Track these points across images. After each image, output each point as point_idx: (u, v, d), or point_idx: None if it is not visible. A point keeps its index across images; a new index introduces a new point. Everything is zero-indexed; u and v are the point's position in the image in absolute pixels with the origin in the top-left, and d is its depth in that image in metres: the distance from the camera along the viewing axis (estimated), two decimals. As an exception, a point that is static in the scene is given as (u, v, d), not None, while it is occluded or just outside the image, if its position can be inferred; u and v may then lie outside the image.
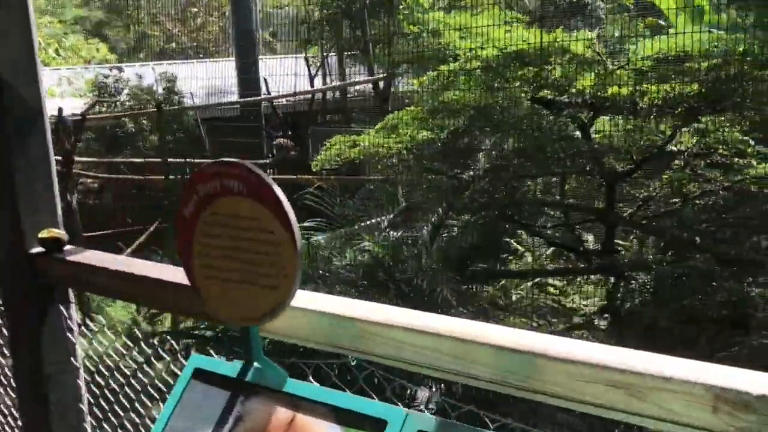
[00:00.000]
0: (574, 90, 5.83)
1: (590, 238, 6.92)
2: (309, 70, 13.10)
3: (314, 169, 8.22)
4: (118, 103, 12.97)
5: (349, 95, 14.76)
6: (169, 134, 13.60)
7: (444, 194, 6.49)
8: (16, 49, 2.56)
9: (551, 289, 7.04)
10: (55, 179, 2.77)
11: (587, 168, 6.32)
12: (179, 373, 1.97)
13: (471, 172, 6.32)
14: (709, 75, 5.52)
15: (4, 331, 2.84)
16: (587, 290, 6.44)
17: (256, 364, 1.78)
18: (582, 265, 6.80)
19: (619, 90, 5.76)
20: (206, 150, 12.42)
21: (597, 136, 6.19)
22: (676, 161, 6.69)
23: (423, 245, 5.55)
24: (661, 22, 9.04)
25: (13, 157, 2.60)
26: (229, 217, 1.70)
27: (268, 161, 12.54)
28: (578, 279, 6.80)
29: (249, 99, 12.36)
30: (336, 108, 14.64)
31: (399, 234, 6.06)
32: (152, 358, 3.28)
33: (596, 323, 6.39)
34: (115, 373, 3.36)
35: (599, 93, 5.82)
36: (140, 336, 4.85)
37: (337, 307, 1.89)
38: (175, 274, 2.18)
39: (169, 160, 9.41)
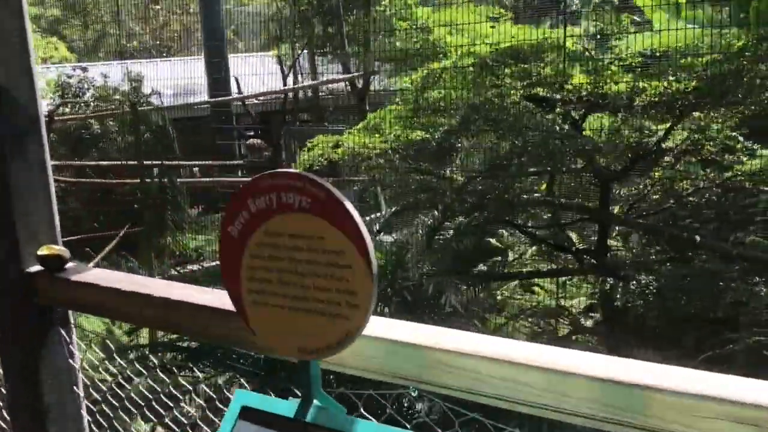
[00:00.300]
0: (568, 87, 5.69)
1: (583, 238, 6.80)
2: (282, 68, 12.80)
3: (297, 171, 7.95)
4: (82, 103, 12.53)
5: (321, 94, 14.50)
6: (133, 136, 13.20)
7: (435, 195, 6.31)
8: (9, 48, 2.31)
9: (544, 291, 6.92)
10: (53, 190, 2.52)
11: (580, 166, 6.20)
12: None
13: (463, 172, 6.15)
14: (707, 70, 5.43)
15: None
16: (584, 290, 6.33)
17: (315, 401, 1.57)
18: (576, 266, 6.68)
19: (616, 87, 5.64)
20: (176, 151, 12.05)
21: (590, 133, 6.07)
22: (669, 159, 6.62)
23: (419, 249, 5.36)
24: (636, 18, 8.98)
25: (8, 165, 2.34)
26: (287, 237, 1.49)
27: (242, 162, 12.23)
28: (574, 279, 6.69)
29: (221, 99, 12.02)
30: (308, 107, 14.37)
31: (393, 238, 5.86)
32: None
33: (594, 326, 6.27)
34: (108, 391, 3.11)
35: (593, 90, 5.70)
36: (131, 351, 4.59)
37: (398, 332, 1.69)
38: (202, 296, 1.95)
39: (145, 162, 9.06)
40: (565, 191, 6.59)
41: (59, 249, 2.41)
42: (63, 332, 2.50)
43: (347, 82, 11.10)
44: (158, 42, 21.65)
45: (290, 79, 13.20)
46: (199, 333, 1.98)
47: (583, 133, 5.98)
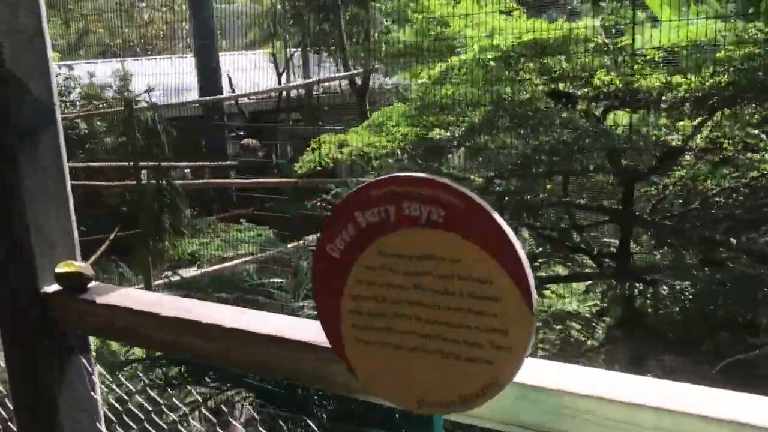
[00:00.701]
0: (595, 82, 5.40)
1: (603, 240, 6.52)
2: (276, 66, 12.42)
3: (298, 172, 7.62)
4: (68, 103, 12.10)
5: (315, 92, 14.15)
6: (126, 136, 12.77)
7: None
8: (22, 35, 1.97)
9: (555, 295, 6.63)
10: (71, 197, 2.17)
11: (605, 165, 5.92)
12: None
13: (482, 171, 5.84)
14: (744, 64, 5.16)
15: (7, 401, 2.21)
16: (614, 296, 6.04)
17: (435, 462, 1.25)
18: (597, 270, 6.40)
19: (645, 82, 5.36)
20: (166, 152, 11.65)
21: (616, 131, 5.79)
22: (690, 158, 6.35)
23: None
24: (639, 13, 8.73)
25: (20, 167, 2.00)
26: (409, 260, 1.16)
27: (235, 163, 11.86)
28: (594, 284, 6.40)
29: (213, 98, 11.62)
30: (301, 106, 14.01)
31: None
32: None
33: (615, 332, 5.99)
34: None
35: (623, 85, 5.41)
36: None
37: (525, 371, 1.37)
38: (278, 325, 1.62)
39: (141, 163, 8.67)
40: (587, 191, 6.31)
41: (81, 266, 2.07)
42: (84, 360, 2.16)
43: (347, 80, 10.75)
44: (143, 40, 21.16)
45: (284, 78, 12.84)
46: (277, 370, 1.64)
47: (608, 130, 5.70)
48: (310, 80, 11.67)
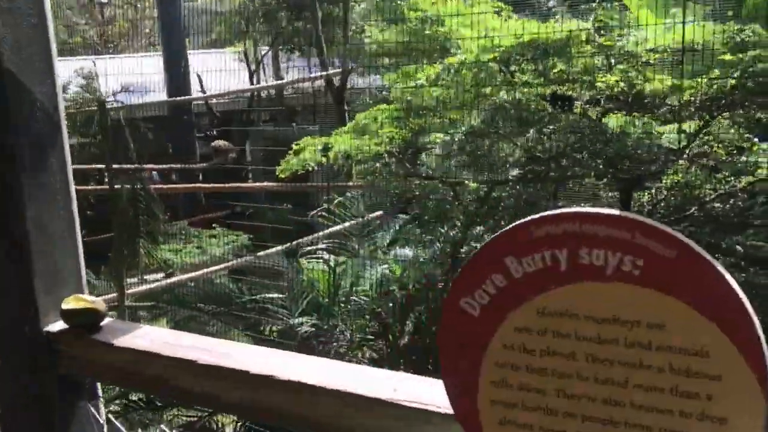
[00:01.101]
0: (599, 84, 5.21)
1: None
2: (248, 65, 12.02)
3: (281, 176, 7.29)
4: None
5: (286, 93, 13.78)
6: (87, 137, 12.25)
7: (445, 203, 5.74)
8: (25, 30, 1.67)
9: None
10: (77, 218, 1.86)
11: (604, 171, 5.72)
12: None
13: (478, 177, 5.60)
14: (753, 67, 5.01)
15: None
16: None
17: None
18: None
19: (650, 85, 5.18)
20: (131, 154, 11.19)
21: (618, 135, 5.60)
22: (684, 162, 6.20)
23: (445, 268, 4.80)
24: (615, 15, 8.62)
25: (24, 186, 1.69)
26: (585, 322, 0.90)
27: (206, 165, 11.44)
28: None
29: (188, 98, 11.19)
30: (273, 107, 13.64)
31: (410, 253, 5.28)
32: None
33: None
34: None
35: (627, 88, 5.22)
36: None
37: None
38: (357, 380, 1.33)
39: (114, 166, 8.22)
40: (583, 198, 6.12)
41: (92, 300, 1.75)
42: (92, 410, 1.84)
43: (323, 81, 10.44)
44: (105, 38, 20.49)
45: (256, 78, 12.46)
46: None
47: (609, 134, 5.50)
48: (285, 80, 11.32)
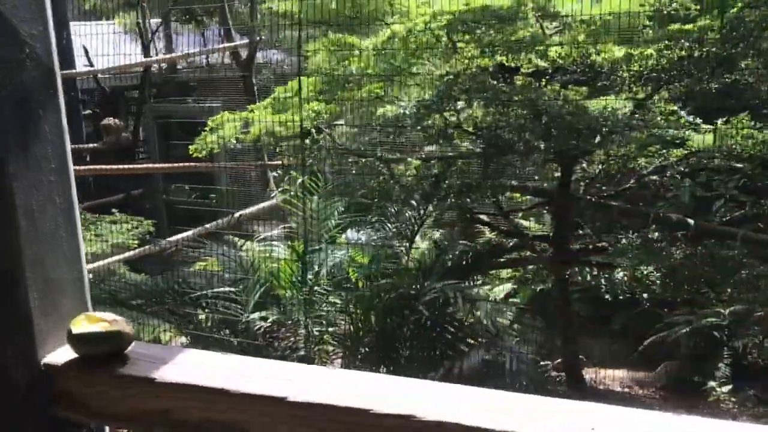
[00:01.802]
0: (551, 54, 4.99)
1: (541, 223, 6.21)
2: (142, 37, 11.03)
3: (197, 155, 6.70)
4: None
5: (179, 67, 12.90)
6: None
7: (386, 183, 5.39)
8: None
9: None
10: (77, 205, 1.37)
11: (546, 145, 5.55)
12: None
13: (421, 154, 5.29)
14: (704, 39, 4.95)
15: None
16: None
17: None
18: (532, 254, 6.06)
19: (599, 57, 5.02)
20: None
21: (559, 107, 5.42)
22: (621, 137, 6.14)
23: (408, 252, 4.45)
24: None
25: (9, 166, 1.20)
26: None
27: (98, 145, 10.49)
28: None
29: (74, 72, 10.14)
30: (166, 81, 12.72)
31: (366, 237, 4.88)
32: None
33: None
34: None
35: (576, 59, 5.04)
36: None
37: None
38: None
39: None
40: (523, 172, 5.93)
41: (111, 319, 1.28)
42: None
43: (230, 53, 9.74)
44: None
45: (151, 51, 11.55)
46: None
47: (552, 105, 5.32)
48: (189, 52, 10.51)
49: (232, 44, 9.22)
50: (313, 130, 6.55)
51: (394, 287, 4.39)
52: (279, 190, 5.86)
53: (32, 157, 1.25)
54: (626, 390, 7.43)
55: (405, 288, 4.37)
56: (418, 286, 4.40)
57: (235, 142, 6.45)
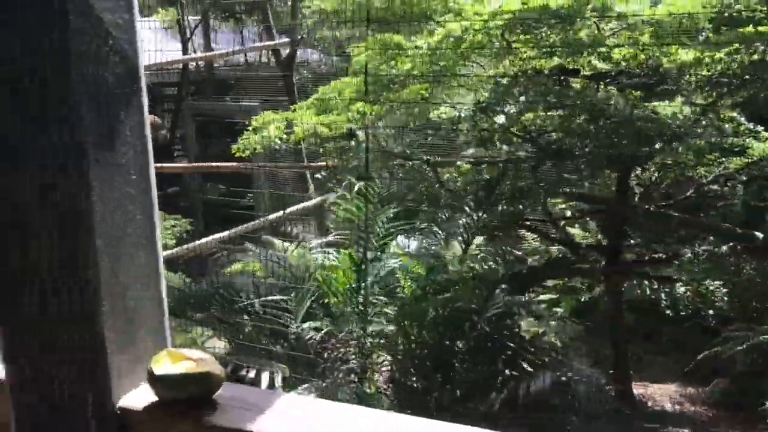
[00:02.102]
0: (616, 56, 4.75)
1: (596, 231, 5.95)
2: (182, 34, 10.94)
3: (240, 155, 6.55)
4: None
5: (216, 65, 12.80)
6: None
7: (434, 187, 5.19)
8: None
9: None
10: (158, 224, 1.19)
11: (604, 151, 5.30)
12: None
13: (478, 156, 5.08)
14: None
15: None
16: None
17: None
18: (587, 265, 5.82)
19: (668, 60, 4.76)
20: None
21: (619, 112, 5.17)
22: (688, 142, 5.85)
23: (461, 261, 4.23)
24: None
25: (87, 160, 1.02)
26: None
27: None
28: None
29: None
30: (204, 79, 12.62)
31: (417, 244, 4.68)
32: None
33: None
34: None
35: (645, 62, 4.79)
36: None
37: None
38: None
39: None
40: (577, 178, 5.69)
41: (198, 357, 1.10)
42: None
43: (271, 51, 9.57)
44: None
45: (190, 47, 11.47)
46: None
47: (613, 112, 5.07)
48: (229, 50, 10.37)
49: (273, 42, 9.07)
50: (359, 132, 6.37)
51: (452, 300, 4.18)
52: (336, 195, 5.62)
53: (112, 164, 1.08)
54: (677, 407, 7.15)
55: (464, 301, 4.15)
56: (478, 299, 4.17)
57: (279, 142, 6.27)
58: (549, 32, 4.80)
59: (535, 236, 5.85)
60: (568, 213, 6.36)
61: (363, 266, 4.45)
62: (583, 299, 6.98)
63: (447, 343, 4.10)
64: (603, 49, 4.75)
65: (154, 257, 1.17)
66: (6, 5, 0.96)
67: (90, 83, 1.03)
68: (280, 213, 7.53)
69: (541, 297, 7.00)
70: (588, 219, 5.97)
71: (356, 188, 4.90)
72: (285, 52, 9.14)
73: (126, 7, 1.09)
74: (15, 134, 1.01)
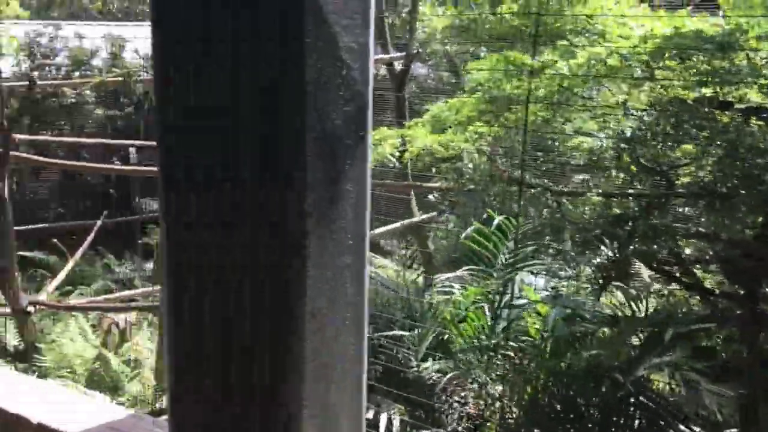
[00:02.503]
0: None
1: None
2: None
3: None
4: (53, 68, 10.55)
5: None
6: (115, 109, 11.28)
7: (558, 218, 4.82)
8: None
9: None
10: (366, 306, 0.94)
11: (753, 191, 4.81)
12: None
13: (605, 188, 4.69)
14: None
15: None
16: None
17: None
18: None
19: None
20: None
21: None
22: None
23: (598, 307, 3.86)
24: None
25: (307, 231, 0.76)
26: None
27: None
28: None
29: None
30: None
31: (539, 282, 4.34)
32: None
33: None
34: None
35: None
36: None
37: None
38: None
39: (136, 143, 7.25)
40: (715, 219, 5.20)
41: None
42: None
43: (385, 66, 9.38)
44: (126, 4, 19.39)
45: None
46: None
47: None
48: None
49: (389, 56, 8.88)
50: (476, 155, 6.08)
51: (595, 356, 3.79)
52: (471, 229, 5.32)
53: (327, 229, 0.83)
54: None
55: (605, 357, 3.75)
56: (622, 355, 3.77)
57: (394, 159, 6.05)
58: (702, 60, 4.38)
59: (660, 277, 5.37)
60: (697, 255, 5.85)
61: (497, 308, 4.11)
62: (724, 354, 6.40)
63: (580, 400, 3.71)
64: (765, 81, 4.29)
65: (360, 347, 0.91)
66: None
67: (314, 124, 0.79)
68: (387, 228, 7.29)
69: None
70: (721, 264, 5.45)
71: (495, 222, 4.57)
72: (398, 66, 8.94)
73: (363, 26, 0.84)
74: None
